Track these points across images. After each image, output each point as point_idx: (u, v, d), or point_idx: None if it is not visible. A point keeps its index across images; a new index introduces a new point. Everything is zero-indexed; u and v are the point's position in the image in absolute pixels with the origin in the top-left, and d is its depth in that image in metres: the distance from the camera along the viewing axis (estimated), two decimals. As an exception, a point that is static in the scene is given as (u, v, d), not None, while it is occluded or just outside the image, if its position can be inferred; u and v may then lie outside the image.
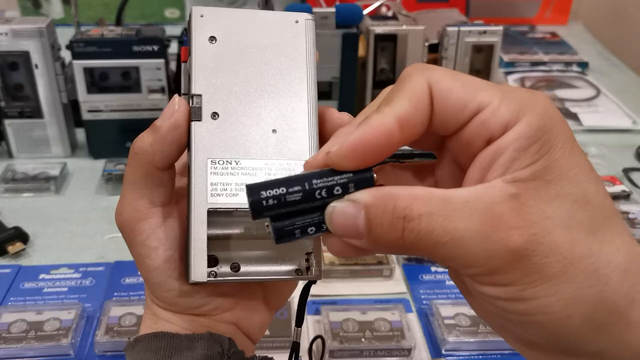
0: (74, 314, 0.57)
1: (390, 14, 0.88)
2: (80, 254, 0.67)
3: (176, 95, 0.33)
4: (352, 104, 0.83)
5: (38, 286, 0.62)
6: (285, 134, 0.33)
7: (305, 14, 0.35)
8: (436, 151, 0.31)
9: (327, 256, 0.65)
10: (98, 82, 0.80)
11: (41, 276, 0.64)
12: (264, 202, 0.26)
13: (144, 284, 0.36)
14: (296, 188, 0.26)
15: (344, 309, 0.59)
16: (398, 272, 0.65)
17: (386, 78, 0.83)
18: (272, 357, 0.36)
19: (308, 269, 0.34)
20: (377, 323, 0.57)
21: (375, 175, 0.27)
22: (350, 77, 0.82)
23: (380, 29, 0.81)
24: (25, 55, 0.78)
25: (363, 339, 0.55)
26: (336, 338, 0.55)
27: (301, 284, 0.38)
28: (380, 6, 0.89)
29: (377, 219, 0.25)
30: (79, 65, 0.78)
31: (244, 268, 0.34)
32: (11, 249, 0.66)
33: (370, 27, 0.82)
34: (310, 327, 0.58)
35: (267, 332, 0.55)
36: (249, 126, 0.33)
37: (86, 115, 0.81)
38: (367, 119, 0.26)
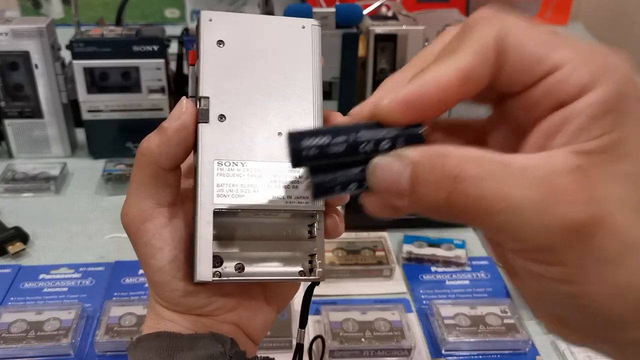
0: (74, 314, 0.57)
1: (390, 14, 0.88)
2: (80, 254, 0.67)
3: (184, 98, 0.33)
4: (352, 104, 0.83)
5: (38, 286, 0.62)
6: None
7: (312, 20, 0.36)
8: (494, 109, 0.28)
9: (327, 256, 0.65)
10: (98, 82, 0.80)
11: (41, 276, 0.64)
12: (305, 151, 0.24)
13: (147, 284, 0.36)
14: (341, 139, 0.25)
15: (344, 309, 0.59)
16: (398, 272, 0.65)
17: (386, 78, 0.83)
18: (273, 358, 0.36)
19: (311, 270, 0.35)
20: (377, 323, 0.57)
21: (426, 131, 0.25)
22: (350, 77, 0.82)
23: (380, 29, 0.81)
24: (25, 55, 0.78)
25: (363, 339, 0.55)
26: (336, 338, 0.55)
27: (304, 286, 0.38)
28: (380, 6, 0.89)
29: (424, 177, 0.23)
30: (79, 65, 0.78)
31: (248, 268, 0.34)
32: (11, 249, 0.66)
33: (370, 27, 0.81)
34: (311, 327, 0.58)
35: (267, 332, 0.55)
36: (255, 129, 0.33)
37: (86, 115, 0.81)
38: (426, 70, 0.24)
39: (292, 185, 0.34)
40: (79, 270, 0.64)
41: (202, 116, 0.33)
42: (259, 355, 0.36)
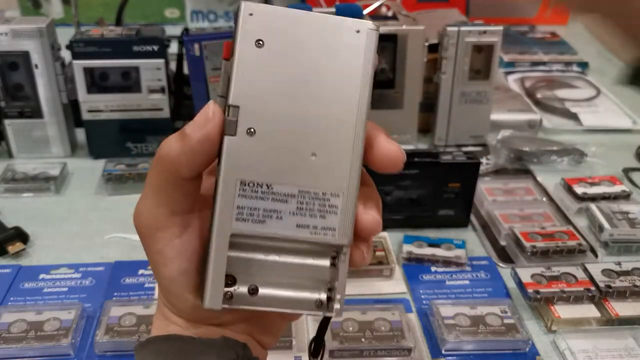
0: (74, 314, 0.57)
1: (390, 14, 0.88)
2: (80, 254, 0.67)
3: (211, 102, 0.31)
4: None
5: (38, 286, 0.62)
6: (326, 159, 0.30)
7: (369, 22, 0.31)
8: None
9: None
10: (98, 82, 0.80)
11: (41, 276, 0.64)
12: None
13: (157, 286, 0.35)
14: None
15: (344, 309, 0.58)
16: (398, 272, 0.65)
17: (386, 78, 0.83)
18: None
19: (329, 300, 0.32)
20: (377, 323, 0.57)
21: None
22: (350, 77, 0.82)
23: (380, 29, 0.81)
24: (25, 55, 0.78)
25: (363, 339, 0.55)
26: (336, 338, 0.55)
27: None
28: (380, 6, 0.89)
29: None
30: (79, 65, 0.78)
31: (262, 290, 0.32)
32: (11, 249, 0.66)
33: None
34: (311, 327, 0.58)
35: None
36: (287, 147, 0.30)
37: (86, 115, 0.81)
38: None
39: (320, 214, 0.31)
40: (79, 270, 0.64)
41: (229, 128, 0.30)
42: None
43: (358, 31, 0.31)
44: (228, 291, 0.31)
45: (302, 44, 0.30)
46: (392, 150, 0.32)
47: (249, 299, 0.31)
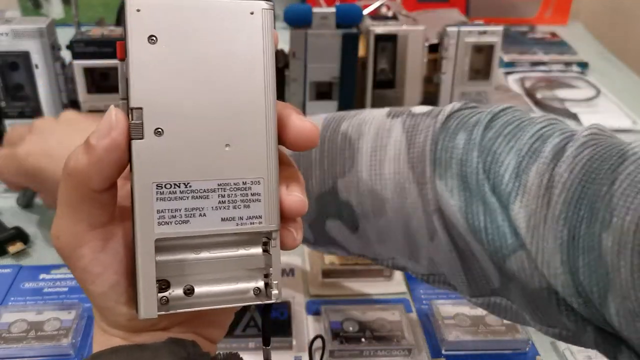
0: (75, 314, 0.57)
1: (390, 14, 0.88)
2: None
3: (112, 107, 0.29)
4: (352, 104, 0.83)
5: (38, 286, 0.62)
6: (240, 148, 0.30)
7: (262, 2, 0.30)
8: None
9: (327, 257, 0.65)
10: (98, 82, 0.80)
11: (41, 276, 0.64)
12: None
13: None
14: None
15: (344, 309, 0.59)
16: (398, 272, 0.65)
17: (386, 78, 0.83)
18: (237, 353, 0.35)
19: (267, 286, 0.32)
20: (377, 323, 0.57)
21: None
22: (350, 77, 0.82)
23: (380, 29, 0.81)
24: (25, 55, 0.78)
25: (363, 339, 0.55)
26: (336, 338, 0.55)
27: None
28: (380, 6, 0.89)
29: None
30: (79, 65, 0.78)
31: (198, 289, 0.31)
32: (11, 249, 0.66)
33: (370, 27, 0.81)
34: (311, 327, 0.58)
35: (267, 332, 0.55)
36: (199, 142, 0.29)
37: (86, 115, 0.81)
38: None
39: (244, 204, 0.30)
40: (79, 270, 0.64)
41: (135, 131, 0.28)
42: (221, 353, 0.35)
43: (252, 12, 0.30)
44: (163, 296, 0.30)
45: (197, 33, 0.29)
46: (306, 127, 0.31)
47: (186, 301, 0.31)
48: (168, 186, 0.29)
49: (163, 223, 0.29)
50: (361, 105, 0.84)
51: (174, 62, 0.29)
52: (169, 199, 0.29)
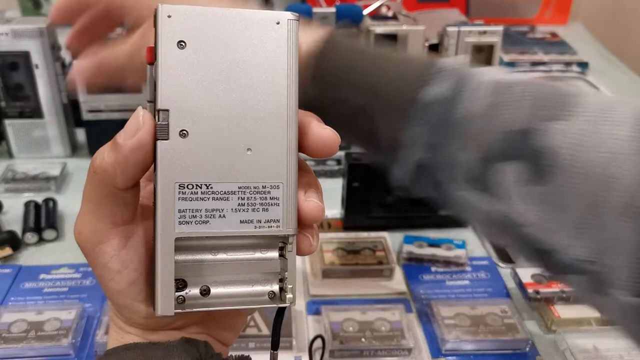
0: (74, 314, 0.57)
1: (390, 14, 0.88)
2: (81, 254, 0.67)
3: (140, 108, 0.30)
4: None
5: (38, 286, 0.62)
6: (261, 153, 0.31)
7: (288, 13, 0.31)
8: None
9: (327, 257, 0.65)
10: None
11: (41, 276, 0.64)
12: None
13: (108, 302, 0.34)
14: None
15: (344, 309, 0.59)
16: (398, 272, 0.65)
17: (386, 78, 0.83)
18: (248, 356, 0.35)
19: (282, 290, 0.32)
20: (377, 323, 0.57)
21: None
22: (351, 77, 0.82)
23: (380, 29, 0.81)
24: (26, 55, 0.78)
25: (363, 339, 0.55)
26: (336, 338, 0.55)
27: None
28: (380, 6, 0.89)
29: None
30: (79, 65, 0.78)
31: (214, 290, 0.32)
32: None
33: (370, 27, 0.81)
34: (311, 327, 0.58)
35: (266, 332, 0.55)
36: (222, 144, 0.30)
37: (86, 115, 0.81)
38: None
39: (263, 207, 0.31)
40: (79, 270, 0.65)
41: (160, 132, 0.29)
42: (233, 355, 0.35)
43: (278, 22, 0.31)
44: (180, 295, 0.31)
45: (225, 40, 0.30)
46: (326, 134, 0.32)
47: (201, 301, 0.31)
48: (190, 186, 0.30)
49: (183, 222, 0.30)
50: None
51: (201, 67, 0.30)
52: (190, 199, 0.30)
